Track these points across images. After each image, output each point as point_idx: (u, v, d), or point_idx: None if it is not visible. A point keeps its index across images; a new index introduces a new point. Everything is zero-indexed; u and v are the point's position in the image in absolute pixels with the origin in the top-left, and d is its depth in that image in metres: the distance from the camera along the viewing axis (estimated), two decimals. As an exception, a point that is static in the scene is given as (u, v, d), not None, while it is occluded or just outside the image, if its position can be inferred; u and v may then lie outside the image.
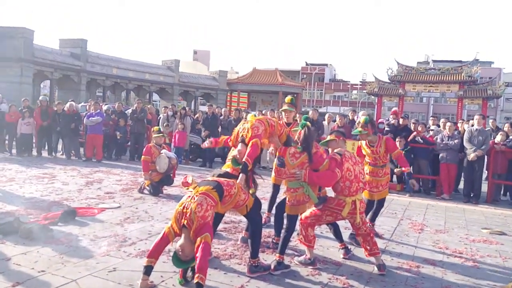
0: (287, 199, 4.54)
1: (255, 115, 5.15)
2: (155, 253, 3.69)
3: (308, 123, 4.50)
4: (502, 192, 10.01)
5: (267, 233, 5.41)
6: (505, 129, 10.04)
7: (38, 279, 3.75)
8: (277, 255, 4.38)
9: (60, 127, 12.39)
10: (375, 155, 5.64)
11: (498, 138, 9.34)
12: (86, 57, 28.78)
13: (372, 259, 4.58)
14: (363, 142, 5.74)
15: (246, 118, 5.19)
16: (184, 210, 3.58)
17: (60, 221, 5.53)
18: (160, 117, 14.13)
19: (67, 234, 5.07)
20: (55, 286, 3.61)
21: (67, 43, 28.94)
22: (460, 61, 40.96)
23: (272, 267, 4.27)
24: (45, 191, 7.54)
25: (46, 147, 12.96)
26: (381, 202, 5.90)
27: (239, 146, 4.55)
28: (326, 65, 65.99)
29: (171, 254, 4.20)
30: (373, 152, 5.64)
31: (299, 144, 4.41)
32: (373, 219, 5.88)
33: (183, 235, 3.59)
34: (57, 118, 12.48)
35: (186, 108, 15.03)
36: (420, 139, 9.79)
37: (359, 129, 5.60)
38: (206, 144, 5.45)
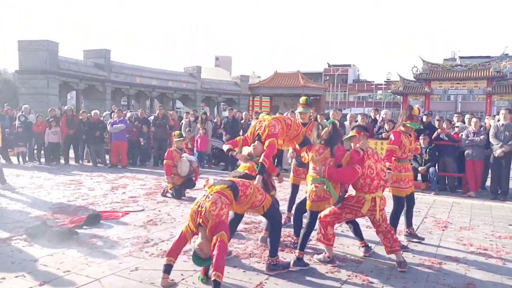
0: (308, 195, 4.55)
1: (269, 114, 5.18)
2: (174, 252, 3.78)
3: (336, 121, 4.54)
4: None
5: (287, 232, 5.42)
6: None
7: (64, 278, 3.90)
8: (297, 251, 4.40)
9: (85, 135, 12.74)
10: (409, 147, 5.41)
11: (526, 132, 9.04)
12: (110, 67, 29.35)
13: (393, 256, 4.53)
14: (402, 135, 5.42)
15: (258, 117, 5.20)
16: (199, 209, 3.65)
17: (85, 224, 5.70)
18: (182, 123, 14.32)
19: (91, 237, 5.22)
20: (79, 285, 3.73)
21: (91, 53, 29.56)
22: (488, 57, 39.94)
23: (292, 263, 4.29)
24: (71, 197, 7.77)
25: (73, 155, 13.32)
26: (412, 200, 5.63)
27: (255, 143, 4.60)
28: (349, 65, 64.95)
29: (191, 253, 4.27)
30: (410, 143, 5.41)
31: (323, 137, 4.44)
32: (410, 223, 5.65)
33: (200, 234, 3.65)
34: (82, 127, 12.82)
35: (207, 113, 15.17)
36: (445, 137, 9.63)
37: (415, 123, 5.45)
38: (225, 149, 5.23)
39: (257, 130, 4.71)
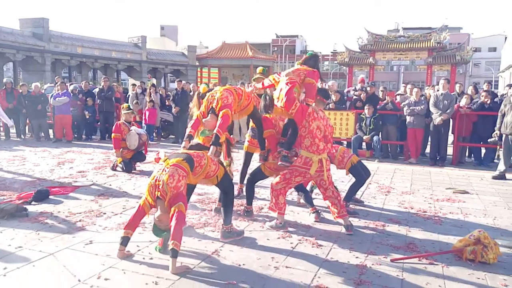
0: None
1: (207, 86, 5.18)
2: (132, 225, 3.80)
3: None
4: (466, 154, 10.40)
5: (240, 202, 5.55)
6: (469, 92, 10.37)
7: (16, 254, 3.82)
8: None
9: (26, 109, 12.19)
10: None
11: (463, 101, 9.54)
12: (48, 36, 27.93)
13: (341, 220, 4.78)
14: None
15: (199, 90, 5.22)
16: (157, 183, 3.68)
17: (34, 200, 5.54)
18: (129, 95, 13.96)
19: (41, 213, 5.10)
20: (33, 260, 3.67)
21: (28, 23, 27.98)
22: (429, 28, 41.47)
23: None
24: (16, 173, 7.50)
25: (14, 130, 12.73)
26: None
27: (209, 116, 4.61)
28: (297, 36, 65.49)
29: (146, 226, 4.31)
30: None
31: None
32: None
33: (159, 207, 3.69)
34: (22, 100, 12.25)
35: (155, 84, 14.87)
36: (391, 105, 10.08)
37: None
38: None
39: (210, 103, 4.71)
